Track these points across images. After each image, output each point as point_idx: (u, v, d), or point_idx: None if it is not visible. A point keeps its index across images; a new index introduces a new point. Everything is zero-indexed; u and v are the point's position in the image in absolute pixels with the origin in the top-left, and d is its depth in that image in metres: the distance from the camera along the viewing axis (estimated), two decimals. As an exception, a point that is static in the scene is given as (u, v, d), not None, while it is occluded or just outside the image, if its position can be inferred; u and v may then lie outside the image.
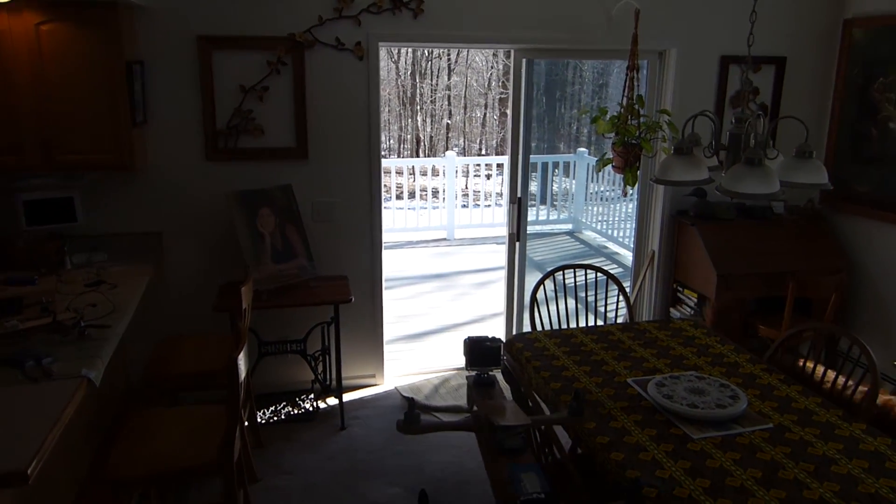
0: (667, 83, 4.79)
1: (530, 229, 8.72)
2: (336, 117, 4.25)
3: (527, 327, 5.08)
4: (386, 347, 4.77)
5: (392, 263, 7.58)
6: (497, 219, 9.09)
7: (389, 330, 4.98)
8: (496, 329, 5.64)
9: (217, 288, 4.15)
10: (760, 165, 2.27)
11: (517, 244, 4.82)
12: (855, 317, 4.83)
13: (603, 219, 8.76)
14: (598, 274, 4.07)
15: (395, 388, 4.69)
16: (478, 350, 2.47)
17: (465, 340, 2.52)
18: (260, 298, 3.93)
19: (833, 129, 4.90)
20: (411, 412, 2.29)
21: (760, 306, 4.87)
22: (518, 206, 4.74)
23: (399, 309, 6.25)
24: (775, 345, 3.27)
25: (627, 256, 7.82)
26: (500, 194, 9.62)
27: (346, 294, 4.12)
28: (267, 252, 4.03)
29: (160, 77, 3.96)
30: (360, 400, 4.54)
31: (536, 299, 3.79)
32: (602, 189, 8.82)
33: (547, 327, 3.90)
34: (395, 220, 8.67)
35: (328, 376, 4.51)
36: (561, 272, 3.98)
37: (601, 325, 3.59)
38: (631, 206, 8.07)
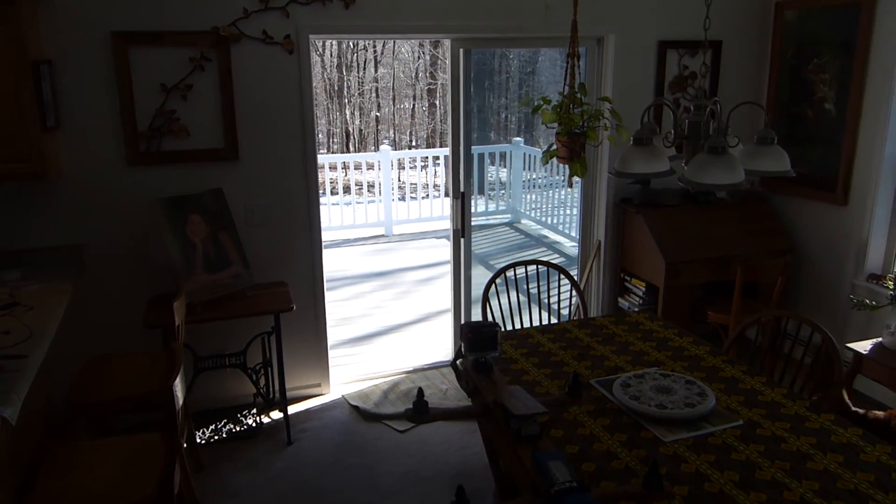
0: (606, 70, 4.71)
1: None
2: (267, 115, 4.01)
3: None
4: (330, 353, 4.56)
5: (330, 263, 7.33)
6: (435, 212, 8.93)
7: (332, 334, 4.77)
8: (444, 327, 5.49)
9: (146, 301, 3.87)
10: (724, 154, 2.17)
11: (462, 241, 4.67)
12: (798, 298, 4.86)
13: (541, 208, 8.70)
14: (549, 269, 3.96)
15: (343, 396, 4.49)
16: (478, 335, 2.47)
17: (462, 326, 2.54)
18: (194, 312, 3.67)
19: (769, 111, 4.91)
20: (420, 401, 2.31)
21: (707, 291, 4.86)
22: (462, 201, 4.59)
23: (341, 311, 6.04)
24: (733, 335, 3.21)
25: (568, 245, 7.79)
26: (437, 186, 9.47)
27: (286, 302, 3.90)
28: (199, 261, 3.77)
29: (72, 77, 3.64)
30: (307, 412, 4.33)
31: (488, 299, 3.64)
32: (538, 177, 8.76)
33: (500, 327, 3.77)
34: (332, 217, 8.41)
35: (271, 389, 4.28)
36: (511, 269, 3.84)
37: (557, 323, 3.47)
38: (566, 192, 8.04)
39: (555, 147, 4.08)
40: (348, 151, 20.05)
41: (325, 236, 8.52)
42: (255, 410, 4.25)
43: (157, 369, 3.34)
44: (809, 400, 2.65)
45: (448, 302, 4.98)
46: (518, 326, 3.81)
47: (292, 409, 4.31)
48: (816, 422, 2.48)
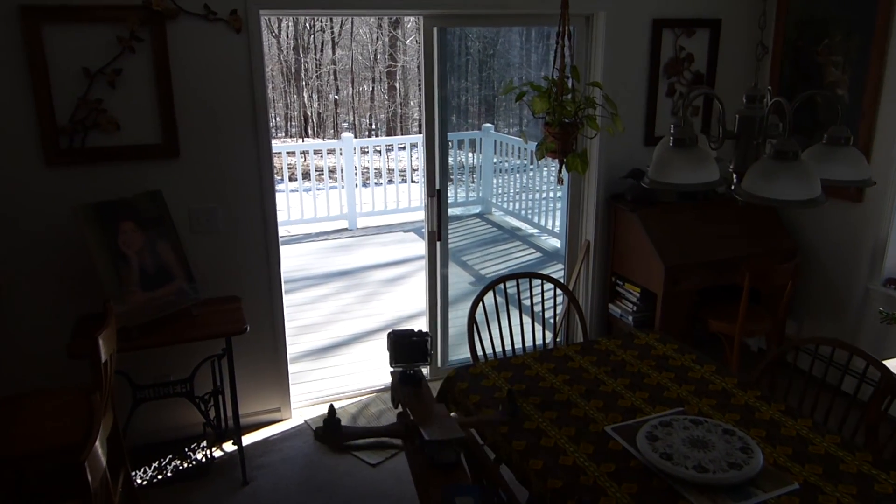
0: (595, 51, 4.22)
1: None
2: (212, 104, 3.44)
3: (454, 336, 4.47)
4: (290, 370, 4.03)
5: (287, 261, 6.77)
6: (402, 203, 8.40)
7: (291, 347, 4.25)
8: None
9: (73, 322, 3.30)
10: (796, 160, 1.71)
11: (438, 244, 4.16)
12: (806, 303, 4.46)
13: (515, 199, 8.21)
14: (535, 277, 3.48)
15: (305, 422, 3.98)
16: (403, 345, 2.31)
17: (388, 335, 2.36)
18: (129, 337, 3.12)
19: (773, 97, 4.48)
20: (332, 418, 2.07)
21: (705, 295, 4.43)
22: (438, 200, 4.07)
23: (300, 318, 5.49)
24: (762, 365, 2.77)
25: (544, 239, 7.34)
26: (403, 171, 8.94)
27: (238, 322, 3.35)
28: (134, 277, 3.20)
29: (-28, 60, 3.04)
30: (265, 442, 3.80)
31: (475, 319, 3.14)
32: (510, 166, 8.27)
33: (486, 345, 3.29)
34: (291, 210, 7.82)
35: (223, 417, 3.74)
36: (501, 283, 3.34)
37: (555, 348, 2.99)
38: (542, 184, 7.58)
39: (549, 140, 3.61)
40: (307, 136, 19.60)
41: (282, 231, 7.95)
42: (204, 443, 3.71)
43: (81, 411, 2.79)
44: (869, 450, 2.23)
45: (420, 304, 4.49)
46: (509, 347, 3.33)
47: (248, 439, 3.79)
48: (887, 483, 2.04)
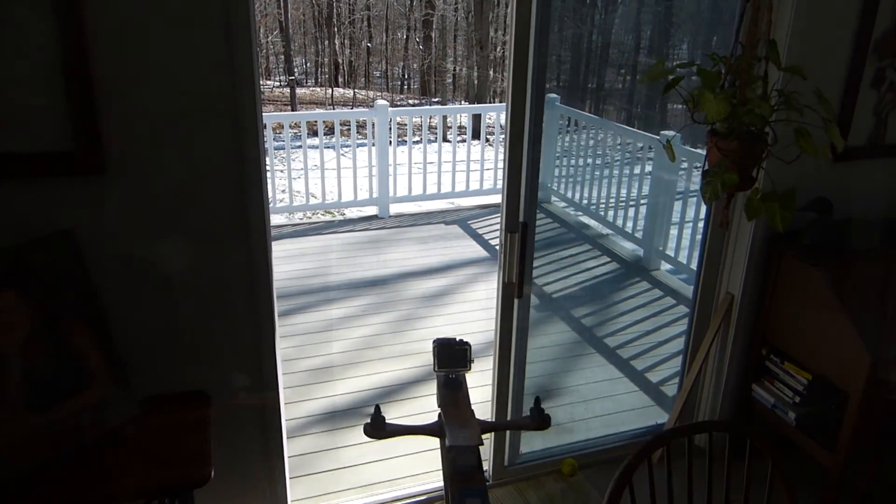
0: (779, 20, 2.73)
1: (483, 200, 6.66)
2: (163, 78, 2.03)
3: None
4: (292, 449, 2.69)
5: (300, 262, 5.43)
6: (444, 183, 6.95)
7: (296, 403, 2.95)
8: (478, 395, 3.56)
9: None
10: None
11: (516, 304, 2.75)
12: None
13: (583, 189, 6.72)
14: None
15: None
16: (446, 352, 2.32)
17: (433, 342, 2.36)
18: (-4, 498, 1.78)
19: None
20: (377, 415, 2.19)
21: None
22: (523, 238, 2.65)
23: (311, 355, 4.11)
24: None
25: (622, 244, 5.88)
26: (446, 128, 7.49)
27: (198, 461, 1.98)
28: (13, 390, 1.84)
29: None
30: None
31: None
32: (579, 147, 6.78)
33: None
34: (309, 188, 6.41)
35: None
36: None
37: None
38: (621, 170, 6.10)
39: (728, 168, 2.18)
40: (336, 85, 18.75)
41: (299, 217, 6.59)
42: None
43: None
44: None
45: (476, 336, 3.14)
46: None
47: None
48: None
